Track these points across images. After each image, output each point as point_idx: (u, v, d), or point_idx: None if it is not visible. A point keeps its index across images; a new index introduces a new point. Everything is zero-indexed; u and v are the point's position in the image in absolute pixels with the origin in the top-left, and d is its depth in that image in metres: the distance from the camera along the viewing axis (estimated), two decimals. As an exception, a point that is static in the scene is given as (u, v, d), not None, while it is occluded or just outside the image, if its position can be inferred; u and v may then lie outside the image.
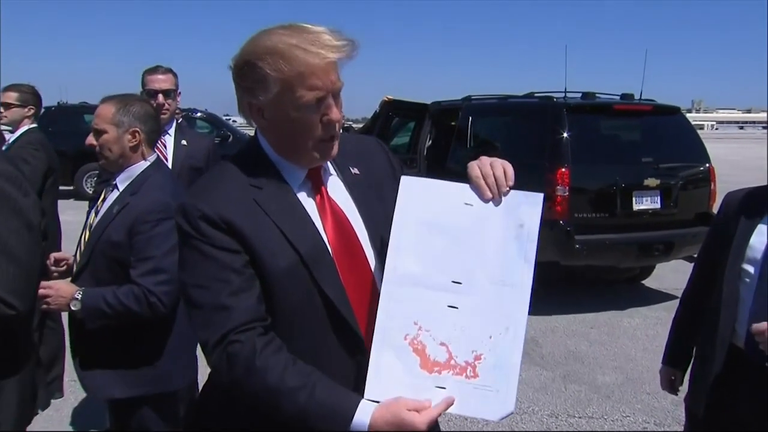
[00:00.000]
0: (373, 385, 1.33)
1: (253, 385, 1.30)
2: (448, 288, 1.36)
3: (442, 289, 1.36)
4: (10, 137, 3.81)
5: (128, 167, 2.37)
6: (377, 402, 1.30)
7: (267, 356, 1.30)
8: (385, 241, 1.42)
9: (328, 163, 1.49)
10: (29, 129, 3.85)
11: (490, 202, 1.40)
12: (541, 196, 1.41)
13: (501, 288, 1.37)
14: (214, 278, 1.33)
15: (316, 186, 1.45)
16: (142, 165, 2.38)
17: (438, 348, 1.34)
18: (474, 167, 1.42)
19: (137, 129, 2.34)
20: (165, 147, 3.37)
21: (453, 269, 1.37)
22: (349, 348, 1.39)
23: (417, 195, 1.41)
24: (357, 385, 1.36)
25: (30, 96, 3.91)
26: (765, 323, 1.89)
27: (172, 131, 3.42)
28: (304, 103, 1.33)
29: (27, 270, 1.57)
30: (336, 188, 1.49)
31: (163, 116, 3.31)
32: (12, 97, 3.83)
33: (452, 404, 1.32)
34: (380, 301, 1.36)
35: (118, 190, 2.35)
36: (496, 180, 1.40)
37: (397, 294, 1.36)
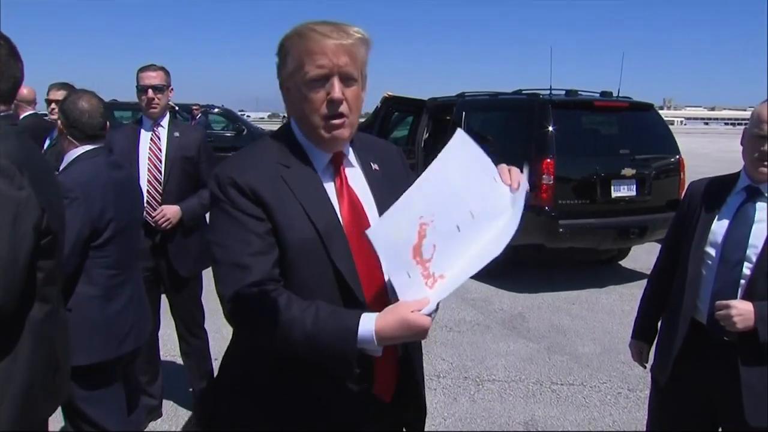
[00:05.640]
0: (379, 224, 1.30)
1: (263, 323, 1.30)
2: (464, 213, 1.34)
3: (460, 210, 1.34)
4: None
5: (65, 153, 2.44)
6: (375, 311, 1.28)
7: (274, 296, 1.30)
8: None
9: (352, 155, 1.49)
10: None
11: (507, 190, 1.41)
12: (524, 179, 1.44)
13: (488, 239, 1.35)
14: (237, 239, 1.33)
15: (338, 171, 1.45)
16: (75, 152, 2.41)
17: (429, 246, 1.30)
18: (503, 169, 1.44)
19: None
20: (159, 139, 3.31)
21: (476, 205, 1.35)
22: None
23: (464, 147, 1.39)
24: (366, 365, 1.33)
25: None
26: (726, 301, 1.92)
27: (165, 124, 3.35)
28: (310, 78, 1.34)
29: (7, 263, 1.45)
30: (356, 177, 1.48)
31: (153, 110, 3.27)
32: (60, 95, 3.68)
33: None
34: (423, 178, 1.32)
35: None
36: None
37: (436, 185, 1.32)
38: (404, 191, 1.42)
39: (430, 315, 1.26)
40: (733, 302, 1.90)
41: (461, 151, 1.38)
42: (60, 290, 1.81)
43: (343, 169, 1.45)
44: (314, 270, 1.36)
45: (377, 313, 1.26)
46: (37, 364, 1.63)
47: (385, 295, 1.40)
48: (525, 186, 1.42)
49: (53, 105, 3.82)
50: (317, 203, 1.38)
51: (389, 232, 1.27)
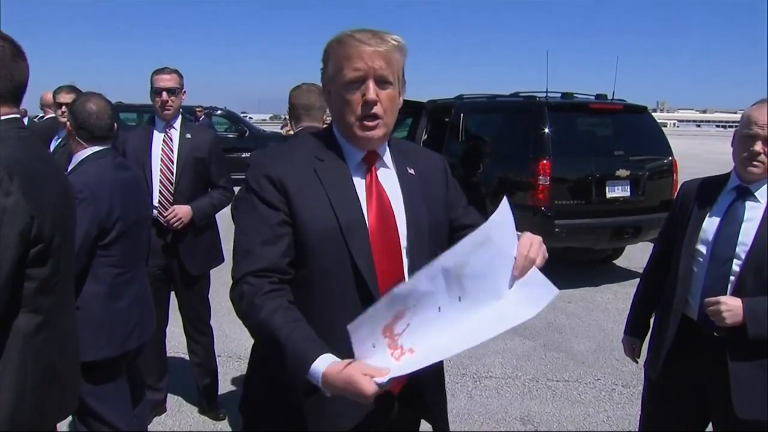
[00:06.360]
0: (360, 319, 1.20)
1: (251, 319, 1.33)
2: (452, 298, 1.28)
3: (447, 296, 1.27)
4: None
5: (74, 154, 2.48)
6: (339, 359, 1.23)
7: (266, 298, 1.32)
8: (421, 232, 1.45)
9: (388, 157, 1.52)
10: None
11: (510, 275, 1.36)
12: (555, 292, 1.36)
13: (472, 330, 1.26)
14: (252, 227, 1.39)
15: (370, 169, 1.48)
16: (83, 153, 2.43)
17: (403, 324, 1.24)
18: (525, 244, 1.38)
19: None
20: (171, 140, 3.32)
21: (468, 290, 1.29)
22: None
23: (503, 222, 1.33)
24: None
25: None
26: (716, 297, 1.94)
27: (177, 126, 3.35)
28: (347, 81, 1.39)
29: None
30: (389, 178, 1.50)
31: (167, 112, 3.28)
32: (70, 98, 3.59)
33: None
34: (422, 272, 1.24)
35: None
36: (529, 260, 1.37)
37: (432, 278, 1.25)
38: (439, 199, 1.49)
39: (380, 384, 1.17)
40: (722, 298, 1.92)
41: (495, 227, 1.31)
42: (63, 299, 1.73)
43: (374, 168, 1.48)
44: (333, 261, 1.39)
45: (337, 360, 1.22)
46: (29, 376, 1.58)
47: None
48: (540, 283, 1.35)
49: (63, 108, 3.82)
50: (343, 196, 1.41)
51: (366, 323, 1.20)
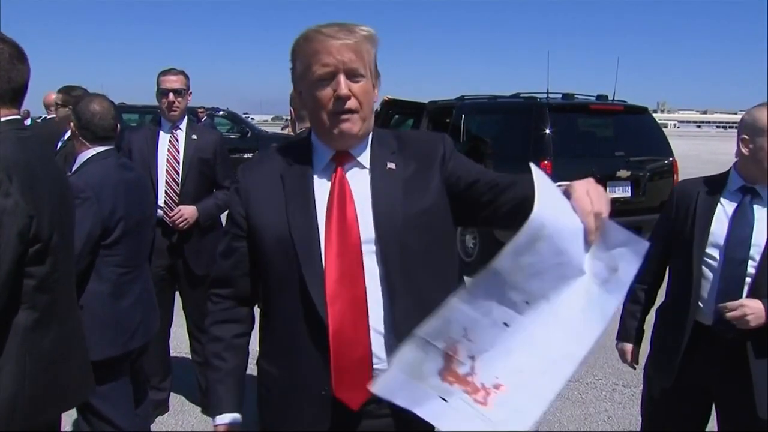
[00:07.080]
0: (382, 378, 1.04)
1: (205, 340, 1.51)
2: (517, 305, 1.04)
3: (510, 306, 1.03)
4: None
5: (78, 155, 2.47)
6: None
7: (216, 329, 1.47)
8: (392, 233, 1.31)
9: (366, 155, 1.41)
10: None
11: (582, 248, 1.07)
12: (646, 245, 1.05)
13: (565, 330, 1.05)
14: (222, 238, 1.49)
15: (337, 170, 1.38)
16: (87, 153, 2.43)
17: (466, 359, 1.04)
18: (584, 198, 1.07)
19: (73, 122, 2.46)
20: (177, 141, 3.31)
21: (533, 289, 1.03)
22: (311, 328, 1.30)
23: (548, 194, 1.04)
24: (323, 370, 1.31)
25: (74, 99, 3.57)
26: (737, 302, 1.91)
27: (183, 126, 3.34)
28: (317, 78, 1.32)
29: None
30: (360, 179, 1.38)
31: (173, 113, 3.27)
32: (59, 98, 3.69)
33: None
34: (457, 296, 1.03)
35: None
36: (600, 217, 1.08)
37: (476, 299, 1.03)
38: (430, 185, 1.37)
39: None
40: (744, 301, 1.89)
41: (544, 209, 1.00)
42: (63, 297, 1.73)
43: (340, 169, 1.38)
44: (284, 270, 1.34)
45: (235, 423, 1.41)
46: (28, 372, 1.58)
47: (353, 313, 1.29)
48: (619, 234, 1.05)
49: (51, 107, 3.85)
50: (300, 201, 1.35)
51: (400, 378, 1.03)
